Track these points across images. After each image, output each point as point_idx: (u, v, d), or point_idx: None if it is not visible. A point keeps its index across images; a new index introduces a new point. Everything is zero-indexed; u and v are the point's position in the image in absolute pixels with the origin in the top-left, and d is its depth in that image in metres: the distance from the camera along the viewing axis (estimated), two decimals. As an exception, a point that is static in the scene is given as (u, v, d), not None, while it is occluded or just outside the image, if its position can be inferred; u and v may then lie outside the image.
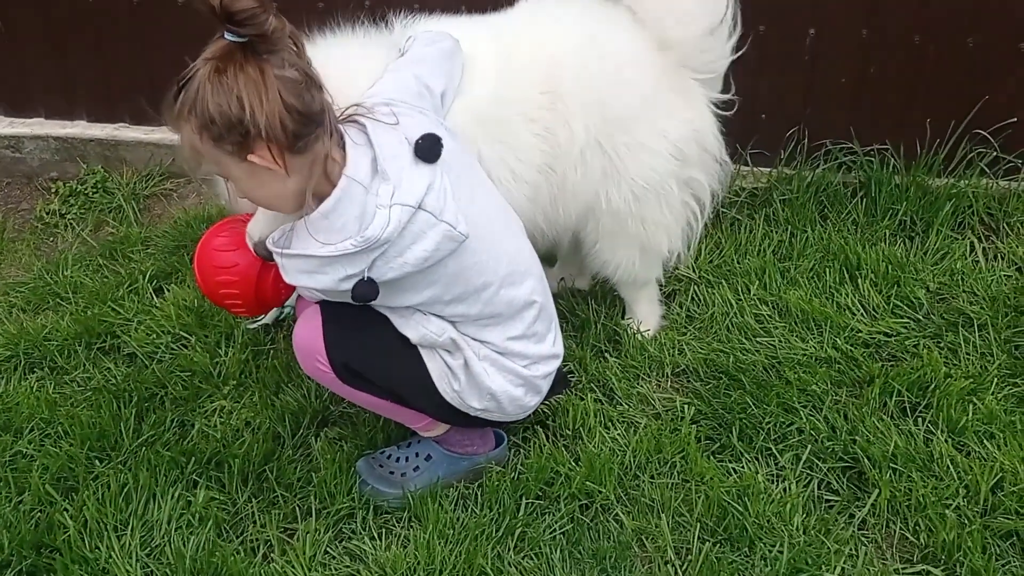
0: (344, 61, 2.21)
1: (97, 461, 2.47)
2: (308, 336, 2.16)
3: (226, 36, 1.77)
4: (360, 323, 2.12)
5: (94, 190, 3.65)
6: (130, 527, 2.28)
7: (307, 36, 2.20)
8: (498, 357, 2.20)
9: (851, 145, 3.32)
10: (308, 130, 1.86)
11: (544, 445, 2.48)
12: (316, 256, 1.94)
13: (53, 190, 3.70)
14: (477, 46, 2.38)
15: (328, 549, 2.25)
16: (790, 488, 2.34)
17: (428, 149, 1.98)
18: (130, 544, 2.24)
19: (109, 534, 2.26)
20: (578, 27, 2.45)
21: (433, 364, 2.18)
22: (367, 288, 1.97)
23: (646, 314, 2.84)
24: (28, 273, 3.27)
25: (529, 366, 2.24)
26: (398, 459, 2.41)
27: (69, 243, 3.44)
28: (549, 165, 2.41)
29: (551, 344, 2.29)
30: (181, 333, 2.88)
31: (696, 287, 2.97)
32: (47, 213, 3.59)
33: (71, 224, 3.53)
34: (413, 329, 2.12)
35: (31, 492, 2.39)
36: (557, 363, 2.33)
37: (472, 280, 2.08)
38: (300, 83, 1.83)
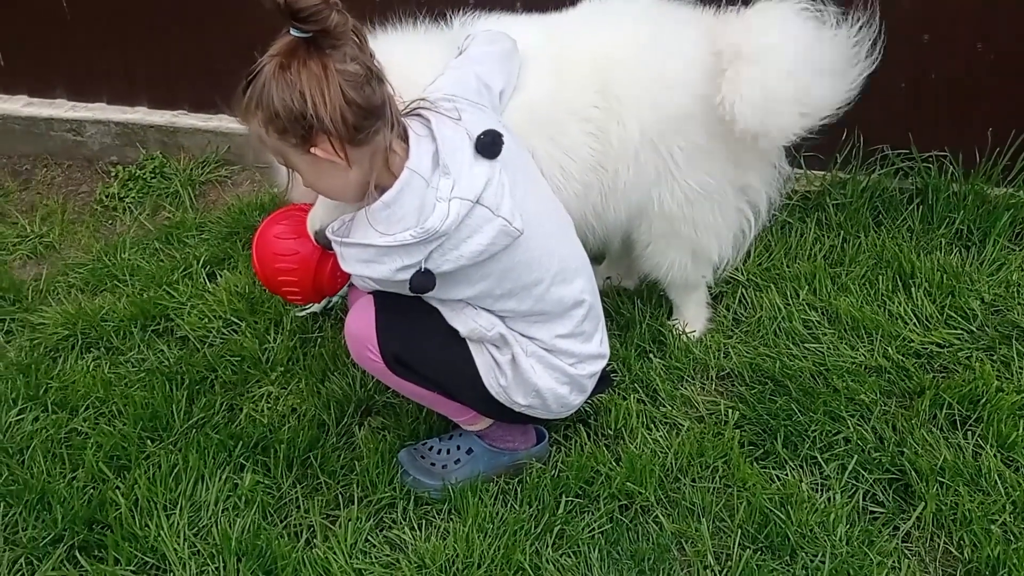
0: (407, 56, 2.25)
1: (149, 441, 2.53)
2: (360, 325, 2.19)
3: (291, 32, 1.81)
4: (412, 315, 2.15)
5: (152, 175, 3.73)
6: (179, 507, 2.34)
7: (370, 31, 2.24)
8: (545, 354, 2.21)
9: (908, 151, 3.27)
10: (369, 123, 1.90)
11: (585, 444, 2.48)
12: (375, 245, 1.97)
13: (113, 174, 3.79)
14: (535, 45, 2.39)
15: (369, 537, 2.29)
16: (834, 498, 2.32)
17: (489, 145, 2.00)
18: (178, 523, 2.29)
19: (158, 513, 2.31)
20: (637, 26, 2.44)
21: (481, 358, 2.20)
22: (424, 279, 2.00)
23: (693, 316, 2.83)
24: (87, 255, 3.35)
25: (575, 364, 2.25)
26: (439, 451, 2.43)
27: (127, 226, 3.52)
28: (600, 164, 2.41)
29: (598, 344, 2.30)
30: (232, 318, 2.94)
31: (744, 290, 2.95)
32: (106, 196, 3.68)
33: (129, 208, 3.61)
34: (463, 323, 2.15)
35: (85, 469, 2.46)
36: (603, 363, 2.34)
37: (524, 276, 2.10)
38: (362, 77, 1.87)
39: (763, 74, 2.29)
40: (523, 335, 2.19)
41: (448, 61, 2.28)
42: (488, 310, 2.15)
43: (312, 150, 1.89)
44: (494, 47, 2.31)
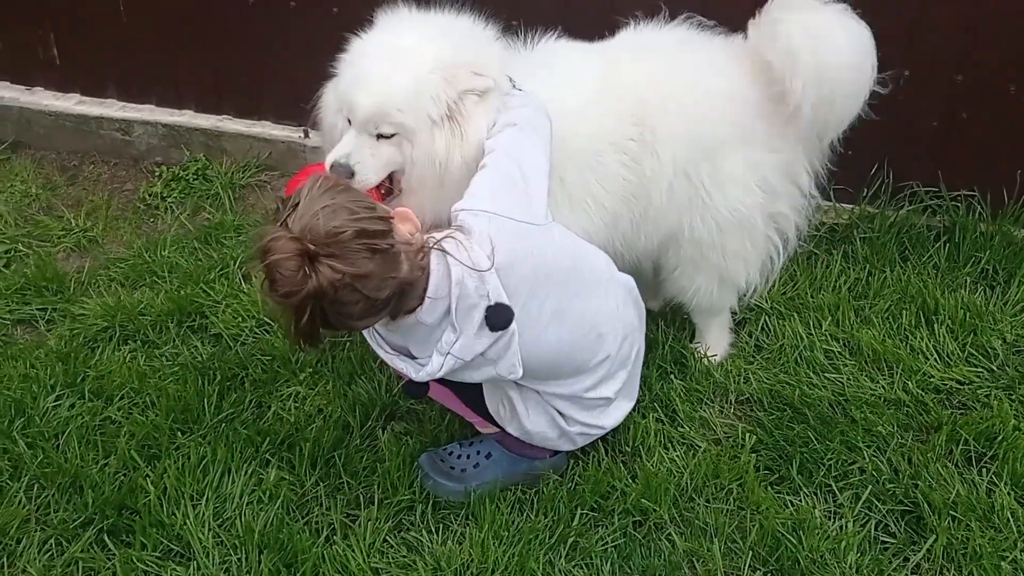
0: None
1: (179, 433, 2.61)
2: None
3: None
4: None
5: (195, 176, 3.83)
6: (205, 498, 2.41)
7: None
8: (545, 404, 2.32)
9: (937, 189, 3.29)
10: (360, 326, 2.00)
11: (603, 459, 2.53)
12: (376, 348, 2.14)
13: (157, 174, 3.90)
14: (574, 75, 2.44)
15: (387, 538, 2.35)
16: (847, 526, 2.35)
17: (498, 322, 2.02)
18: (204, 514, 2.36)
19: (186, 502, 2.39)
20: (672, 58, 2.50)
21: (487, 385, 2.32)
22: (416, 388, 2.15)
23: (715, 340, 2.87)
24: (128, 250, 3.45)
25: (568, 422, 2.35)
26: (459, 456, 2.49)
27: (168, 225, 3.62)
28: (632, 194, 2.47)
29: (600, 417, 2.40)
30: (264, 319, 3.01)
31: (767, 317, 2.98)
32: (150, 195, 3.78)
33: (171, 207, 3.71)
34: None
35: (117, 456, 2.54)
36: (600, 432, 2.44)
37: (525, 377, 2.20)
38: (359, 306, 1.90)
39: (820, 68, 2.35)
40: (523, 385, 2.29)
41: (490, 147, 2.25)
42: None
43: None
44: (531, 133, 2.24)
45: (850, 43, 2.39)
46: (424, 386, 2.15)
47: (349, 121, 2.24)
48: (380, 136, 2.21)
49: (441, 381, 2.25)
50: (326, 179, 1.94)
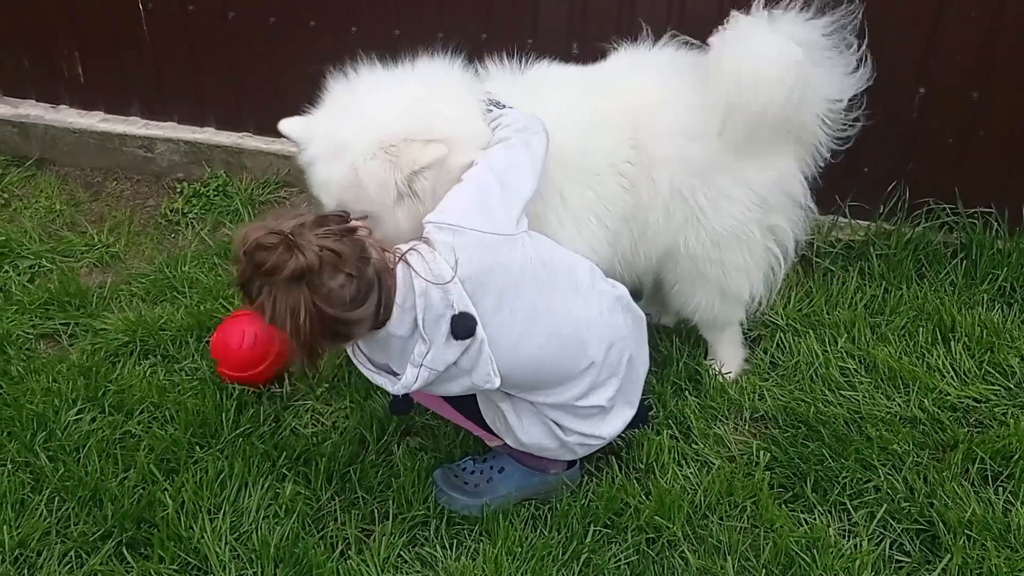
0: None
1: (198, 447, 2.64)
2: None
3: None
4: None
5: (215, 193, 3.89)
6: (222, 512, 2.44)
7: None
8: (538, 413, 2.32)
9: (954, 205, 3.29)
10: (351, 330, 2.03)
11: (616, 476, 2.54)
12: (361, 367, 2.17)
13: (178, 190, 3.96)
14: (570, 98, 2.47)
15: (402, 552, 2.36)
16: (861, 545, 2.34)
17: (459, 332, 2.06)
18: (221, 527, 2.39)
19: (203, 516, 2.41)
20: (662, 79, 2.52)
21: (480, 396, 2.33)
22: (400, 404, 2.22)
23: (728, 356, 2.87)
24: (150, 266, 3.50)
25: (565, 432, 2.35)
26: (473, 471, 2.51)
27: (188, 241, 3.67)
28: (632, 215, 2.50)
29: (598, 426, 2.37)
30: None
31: (782, 334, 2.98)
32: (171, 211, 3.84)
33: (192, 223, 3.77)
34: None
35: (136, 470, 2.57)
36: (598, 442, 2.42)
37: (510, 387, 2.24)
38: (344, 285, 1.96)
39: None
40: (516, 395, 2.30)
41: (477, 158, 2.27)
42: None
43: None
44: (522, 148, 2.27)
45: (771, 54, 2.36)
46: (408, 402, 2.22)
47: None
48: None
49: (445, 397, 2.28)
50: None
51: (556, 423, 2.33)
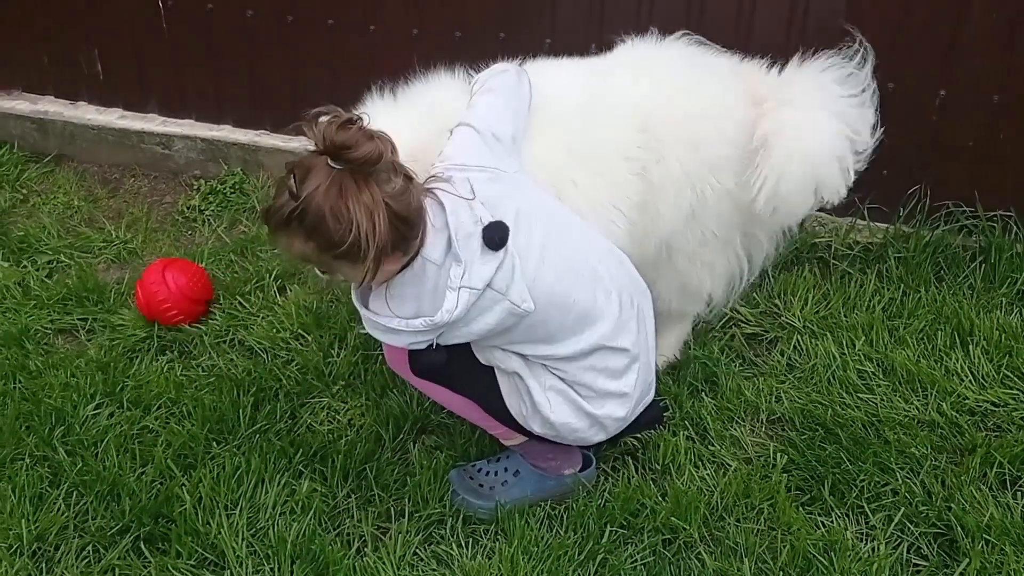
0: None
1: (215, 443, 2.65)
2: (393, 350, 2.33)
3: (330, 164, 1.92)
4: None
5: (232, 190, 3.90)
6: (239, 507, 2.44)
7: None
8: (565, 388, 2.26)
9: (973, 208, 3.27)
10: (413, 232, 2.03)
11: (633, 476, 2.53)
12: (388, 325, 2.11)
13: (195, 187, 3.97)
14: (571, 84, 2.49)
15: (417, 551, 2.36)
16: (879, 548, 2.33)
17: (494, 238, 2.06)
18: (238, 523, 2.39)
19: (220, 512, 2.42)
20: (673, 69, 2.53)
21: (504, 380, 2.29)
22: (434, 356, 2.17)
23: (667, 345, 2.87)
24: (167, 262, 3.51)
25: (593, 401, 2.28)
26: (488, 472, 2.50)
27: (205, 238, 3.68)
28: (645, 203, 2.49)
29: (623, 383, 2.30)
30: (299, 331, 3.06)
31: (799, 336, 2.97)
32: (188, 208, 3.85)
33: (208, 220, 3.78)
34: (480, 353, 2.27)
35: (154, 465, 2.58)
36: (626, 403, 2.32)
37: (536, 332, 2.19)
38: (402, 189, 1.98)
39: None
40: (543, 366, 2.25)
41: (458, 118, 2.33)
42: (503, 347, 2.24)
43: (363, 263, 2.00)
44: (500, 91, 2.37)
45: (823, 150, 2.40)
46: (441, 353, 2.16)
47: None
48: None
49: (463, 391, 2.28)
50: None
51: (586, 386, 2.26)
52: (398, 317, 2.10)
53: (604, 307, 2.23)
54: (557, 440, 2.37)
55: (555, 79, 2.51)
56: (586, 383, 2.26)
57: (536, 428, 2.32)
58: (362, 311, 2.18)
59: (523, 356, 2.24)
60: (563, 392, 2.26)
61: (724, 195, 2.52)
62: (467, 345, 2.25)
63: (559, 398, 2.26)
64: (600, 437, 2.38)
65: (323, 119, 1.94)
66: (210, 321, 3.12)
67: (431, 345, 2.14)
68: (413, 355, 2.24)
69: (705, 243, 2.58)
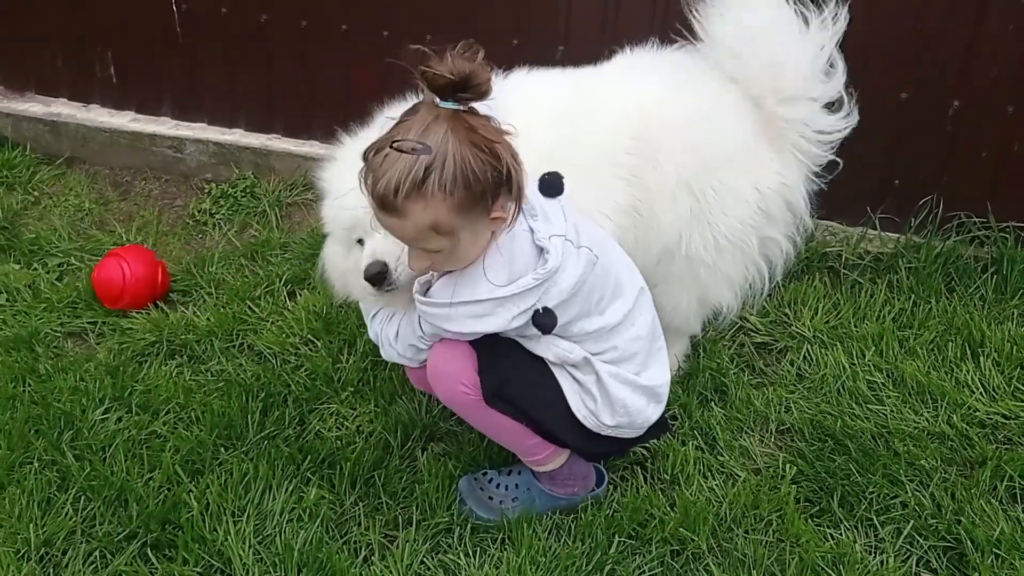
0: None
1: (223, 449, 2.65)
2: (455, 365, 2.19)
3: (446, 104, 1.82)
4: (505, 349, 2.18)
5: (243, 194, 3.91)
6: (246, 514, 2.44)
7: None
8: (617, 371, 2.22)
9: (985, 219, 3.25)
10: (522, 180, 1.96)
11: (641, 487, 2.52)
12: (492, 299, 2.01)
13: (206, 190, 3.98)
14: (555, 92, 2.48)
15: (425, 559, 2.36)
16: (888, 561, 2.31)
17: (552, 185, 2.06)
18: (245, 530, 2.39)
19: (227, 518, 2.42)
20: (667, 79, 2.54)
21: (566, 383, 2.23)
22: (546, 318, 2.05)
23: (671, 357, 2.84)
24: (177, 266, 3.52)
25: (641, 373, 2.26)
26: (498, 485, 2.49)
27: (216, 241, 3.69)
28: (635, 208, 2.49)
29: (661, 340, 2.34)
30: (309, 336, 3.06)
31: (809, 346, 2.96)
32: (199, 211, 3.86)
33: (219, 224, 3.79)
34: (546, 349, 2.18)
35: (161, 470, 2.58)
36: (664, 362, 2.34)
37: (592, 296, 2.15)
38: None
39: None
40: (595, 353, 2.21)
41: None
42: (563, 337, 2.19)
43: (493, 213, 1.93)
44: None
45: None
46: (552, 315, 2.06)
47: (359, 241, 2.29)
48: None
49: (529, 408, 2.23)
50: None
51: (634, 360, 2.24)
52: (497, 286, 2.00)
53: (625, 280, 2.25)
54: (627, 431, 2.30)
55: (543, 86, 2.50)
56: (633, 352, 2.24)
57: (608, 421, 2.25)
58: (433, 308, 2.07)
59: (580, 344, 2.20)
60: (617, 375, 2.22)
61: (728, 194, 2.51)
62: (528, 361, 2.20)
63: (615, 382, 2.22)
64: (658, 412, 2.34)
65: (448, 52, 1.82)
66: (219, 326, 3.12)
67: (538, 311, 2.04)
68: (487, 373, 2.16)
69: (720, 250, 2.57)
